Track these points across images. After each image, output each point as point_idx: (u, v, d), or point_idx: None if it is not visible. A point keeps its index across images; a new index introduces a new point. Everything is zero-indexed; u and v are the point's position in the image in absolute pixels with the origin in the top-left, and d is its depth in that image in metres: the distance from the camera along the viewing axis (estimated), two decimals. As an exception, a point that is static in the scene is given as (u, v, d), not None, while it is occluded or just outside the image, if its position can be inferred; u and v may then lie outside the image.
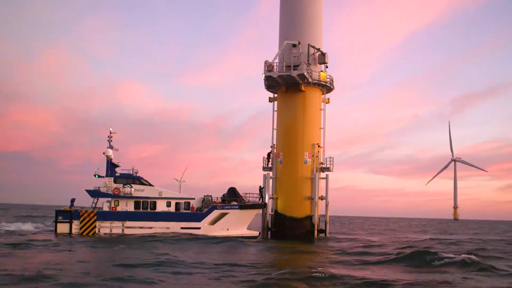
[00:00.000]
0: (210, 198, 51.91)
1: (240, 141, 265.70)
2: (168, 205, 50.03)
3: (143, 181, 50.33)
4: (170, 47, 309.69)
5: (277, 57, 49.46)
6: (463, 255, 29.97)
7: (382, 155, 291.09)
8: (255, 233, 50.98)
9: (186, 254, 32.27)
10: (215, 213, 49.49)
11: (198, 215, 49.71)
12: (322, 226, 52.54)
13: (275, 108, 52.50)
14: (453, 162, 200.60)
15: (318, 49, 51.00)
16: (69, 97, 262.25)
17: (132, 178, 50.13)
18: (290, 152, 50.08)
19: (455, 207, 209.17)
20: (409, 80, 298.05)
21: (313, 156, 49.75)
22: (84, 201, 51.32)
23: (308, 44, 50.34)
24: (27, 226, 57.24)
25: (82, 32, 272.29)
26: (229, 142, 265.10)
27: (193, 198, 51.24)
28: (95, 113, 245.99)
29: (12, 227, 55.11)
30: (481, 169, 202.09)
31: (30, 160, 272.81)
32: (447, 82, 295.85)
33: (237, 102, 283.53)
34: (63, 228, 47.87)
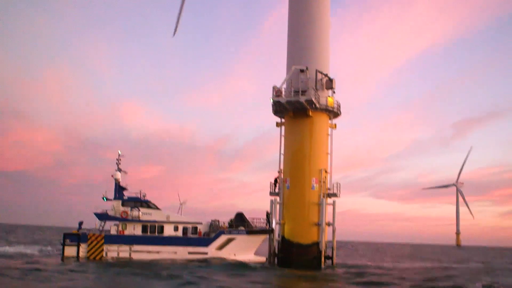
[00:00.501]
0: (217, 223, 51.91)
1: (241, 163, 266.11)
2: (176, 229, 50.03)
3: (150, 204, 50.45)
4: (172, 68, 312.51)
5: (285, 82, 49.96)
6: None
7: (383, 179, 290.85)
8: (262, 259, 50.81)
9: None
10: (223, 238, 49.42)
11: (205, 240, 49.64)
12: (329, 253, 52.29)
13: (283, 133, 52.80)
14: (455, 187, 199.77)
15: (326, 75, 51.49)
16: (70, 117, 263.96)
17: (140, 202, 50.29)
18: (297, 177, 50.12)
19: (457, 233, 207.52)
20: (410, 104, 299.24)
21: (320, 181, 49.81)
22: (86, 223, 51.32)
23: (316, 70, 50.80)
24: (31, 250, 57.11)
25: (84, 51, 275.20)
26: (229, 164, 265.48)
27: (201, 223, 51.23)
28: (95, 133, 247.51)
29: (17, 249, 55.02)
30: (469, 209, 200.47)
31: (30, 180, 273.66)
32: (448, 105, 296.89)
33: (237, 124, 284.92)
34: (70, 251, 47.82)
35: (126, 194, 50.97)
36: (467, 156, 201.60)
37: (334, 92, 52.34)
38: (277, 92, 49.16)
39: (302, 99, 48.01)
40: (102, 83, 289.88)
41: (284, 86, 49.99)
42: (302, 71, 50.10)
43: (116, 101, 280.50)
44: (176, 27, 66.89)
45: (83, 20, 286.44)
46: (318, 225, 49.07)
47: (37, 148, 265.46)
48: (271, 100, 49.69)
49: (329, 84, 51.33)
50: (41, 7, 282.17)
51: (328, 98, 51.12)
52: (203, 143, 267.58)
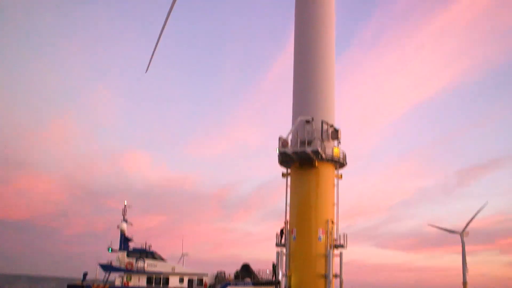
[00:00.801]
0: (223, 274, 51.31)
1: (245, 212, 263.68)
2: (181, 281, 49.48)
3: (156, 255, 50.08)
4: (176, 117, 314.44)
5: (291, 133, 50.45)
6: None
7: (388, 229, 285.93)
8: (268, 311, 49.92)
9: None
10: (229, 290, 48.74)
11: (211, 292, 49.00)
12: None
13: (288, 183, 52.85)
14: (459, 236, 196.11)
15: (331, 125, 51.97)
16: (73, 166, 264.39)
17: (145, 253, 49.94)
18: (303, 228, 49.77)
19: (464, 283, 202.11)
20: (413, 152, 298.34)
21: (326, 232, 49.44)
22: (90, 273, 50.70)
23: (322, 120, 51.31)
24: None
25: (88, 100, 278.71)
26: (233, 213, 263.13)
27: (206, 274, 50.67)
28: (98, 182, 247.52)
29: None
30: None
31: (32, 229, 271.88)
32: (452, 153, 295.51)
33: (241, 173, 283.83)
34: (74, 303, 47.25)
35: (131, 245, 50.67)
36: (480, 210, 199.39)
37: (339, 142, 52.71)
38: (283, 142, 49.58)
39: (308, 149, 48.34)
40: (106, 133, 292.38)
41: (290, 136, 50.50)
42: (307, 122, 50.62)
43: (119, 150, 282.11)
44: (149, 64, 68.86)
45: (88, 69, 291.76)
46: (325, 277, 48.35)
47: (40, 197, 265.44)
48: (277, 151, 50.04)
49: (335, 134, 51.72)
50: (47, 59, 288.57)
51: (334, 149, 51.39)
52: (207, 192, 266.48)
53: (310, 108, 51.91)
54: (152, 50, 66.70)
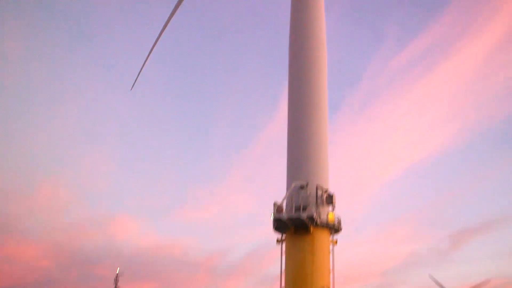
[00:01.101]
0: None
1: (236, 279, 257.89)
2: None
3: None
4: (166, 181, 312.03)
5: (285, 199, 49.92)
6: None
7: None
8: None
9: None
10: None
11: None
12: None
13: (283, 250, 51.80)
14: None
15: (326, 190, 51.59)
16: (61, 231, 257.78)
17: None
18: (299, 296, 48.53)
19: None
20: (405, 216, 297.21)
21: (322, 300, 48.17)
22: None
23: (316, 185, 50.96)
24: None
25: (78, 164, 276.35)
26: (225, 279, 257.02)
27: None
28: (86, 248, 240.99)
29: None
30: None
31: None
32: (444, 217, 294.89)
33: (233, 239, 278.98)
34: None
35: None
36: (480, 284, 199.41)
37: (334, 207, 52.15)
38: (278, 208, 49.01)
39: (304, 215, 47.81)
40: (95, 197, 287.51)
41: (285, 202, 49.94)
42: (302, 187, 50.24)
43: (109, 215, 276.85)
44: (134, 82, 70.24)
45: (78, 132, 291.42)
46: None
47: (26, 264, 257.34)
48: (272, 217, 49.38)
49: (330, 199, 51.20)
50: (37, 123, 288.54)
51: (329, 214, 50.78)
52: (198, 258, 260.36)
53: (304, 173, 51.63)
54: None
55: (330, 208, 51.84)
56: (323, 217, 50.09)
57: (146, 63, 69.68)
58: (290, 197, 49.94)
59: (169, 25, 67.60)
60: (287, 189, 50.96)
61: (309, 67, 55.66)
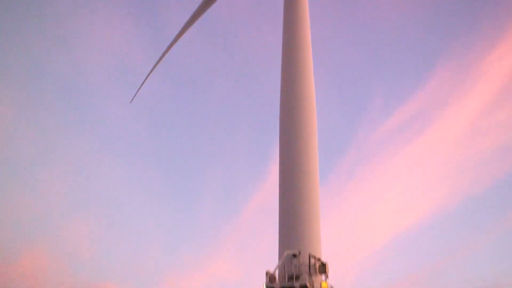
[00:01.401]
0: None
1: None
2: None
3: None
4: (151, 249, 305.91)
5: (278, 268, 49.25)
6: None
7: None
8: None
9: None
10: None
11: None
12: None
13: (276, 321, 50.47)
14: None
15: (319, 259, 51.04)
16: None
17: None
18: None
19: None
20: (398, 282, 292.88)
21: None
22: None
23: (309, 254, 50.42)
24: None
25: (62, 229, 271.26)
26: None
27: None
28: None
29: None
30: None
31: None
32: (436, 284, 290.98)
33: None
34: None
35: None
36: None
37: (327, 276, 51.41)
38: (270, 277, 48.25)
39: (297, 285, 46.94)
40: (79, 265, 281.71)
41: (277, 271, 49.22)
42: (294, 256, 49.69)
43: (93, 283, 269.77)
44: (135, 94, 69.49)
45: (62, 198, 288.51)
46: None
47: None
48: (264, 286, 48.40)
49: (322, 268, 50.48)
50: (21, 184, 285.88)
51: (322, 283, 49.91)
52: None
53: (296, 242, 51.22)
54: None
55: (323, 277, 51.12)
56: (316, 286, 49.19)
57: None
58: (282, 266, 49.29)
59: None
60: (279, 257, 50.34)
61: (299, 134, 56.49)
